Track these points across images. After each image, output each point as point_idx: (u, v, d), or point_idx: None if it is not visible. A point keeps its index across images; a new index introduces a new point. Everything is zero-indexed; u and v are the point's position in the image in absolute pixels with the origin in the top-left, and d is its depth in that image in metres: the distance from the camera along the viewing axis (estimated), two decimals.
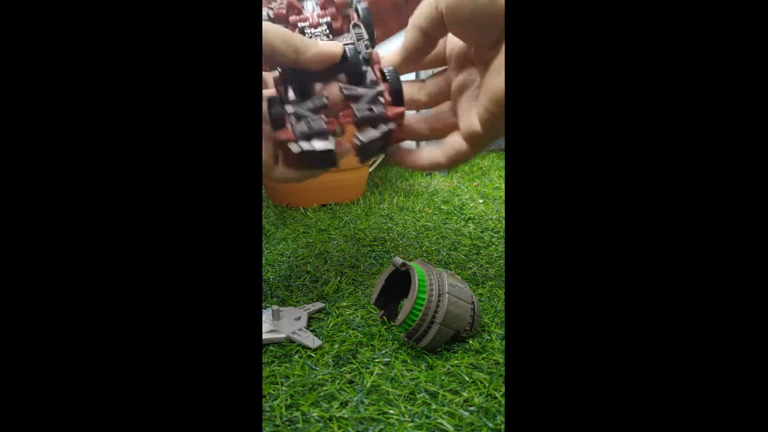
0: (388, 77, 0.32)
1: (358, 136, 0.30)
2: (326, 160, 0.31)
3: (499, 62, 0.26)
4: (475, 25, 0.26)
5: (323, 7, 0.36)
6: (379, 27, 0.36)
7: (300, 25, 0.35)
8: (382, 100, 0.30)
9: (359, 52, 0.32)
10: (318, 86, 0.32)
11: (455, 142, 0.32)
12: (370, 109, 0.30)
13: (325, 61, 0.32)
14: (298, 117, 0.30)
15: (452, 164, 0.32)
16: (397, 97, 0.31)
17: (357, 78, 0.33)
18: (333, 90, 0.33)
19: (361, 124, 0.30)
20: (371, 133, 0.30)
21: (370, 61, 0.32)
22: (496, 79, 0.27)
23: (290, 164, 0.32)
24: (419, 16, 0.29)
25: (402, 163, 0.34)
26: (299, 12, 0.36)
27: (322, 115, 0.30)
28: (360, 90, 0.31)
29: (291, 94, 0.32)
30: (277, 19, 0.35)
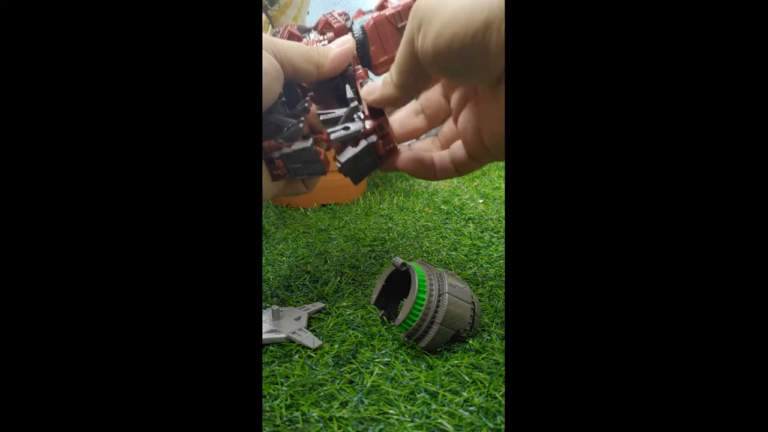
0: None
1: (337, 158, 0.29)
2: (311, 165, 0.30)
3: (500, 107, 0.23)
4: (463, 72, 0.22)
5: (322, 32, 0.36)
6: (382, 50, 0.35)
7: None
8: (361, 116, 0.29)
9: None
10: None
11: (460, 154, 0.29)
12: (346, 128, 0.29)
13: (342, 64, 0.31)
14: (279, 127, 0.30)
15: (461, 174, 0.30)
16: (375, 109, 0.30)
17: (339, 96, 0.32)
18: (312, 114, 0.32)
19: (340, 144, 0.29)
20: (348, 152, 0.29)
21: (351, 78, 0.31)
22: (496, 125, 0.24)
23: (278, 177, 0.32)
24: (396, 68, 0.25)
25: (408, 167, 0.30)
26: (299, 40, 0.36)
27: (302, 119, 0.29)
28: (337, 111, 0.30)
29: (281, 108, 0.32)
30: None
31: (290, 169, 0.31)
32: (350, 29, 0.35)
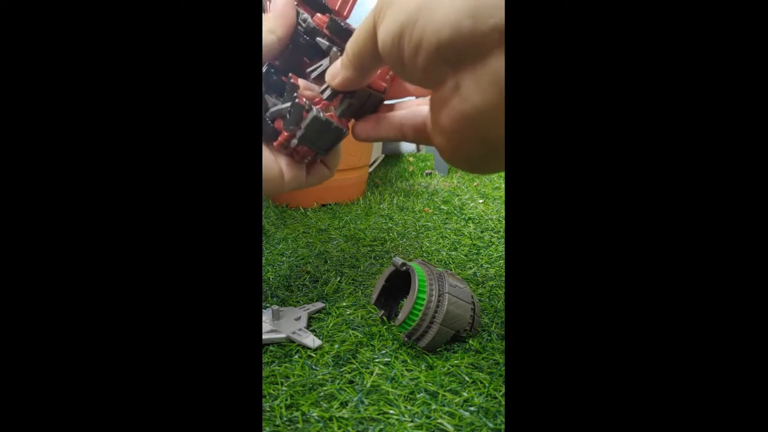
0: (329, 29, 0.29)
1: (335, 112, 0.28)
2: (330, 132, 0.29)
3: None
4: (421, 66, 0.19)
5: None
6: None
7: None
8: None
9: (302, 30, 0.30)
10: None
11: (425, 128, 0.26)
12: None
13: (290, 13, 0.29)
14: (281, 116, 0.29)
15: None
16: (344, 38, 0.28)
17: (315, 53, 0.31)
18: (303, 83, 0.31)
19: (334, 98, 0.27)
20: (343, 103, 0.27)
21: (314, 30, 0.30)
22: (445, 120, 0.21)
23: (304, 162, 0.31)
24: (352, 48, 0.24)
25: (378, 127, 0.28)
26: None
27: (295, 95, 0.28)
28: (323, 63, 0.29)
29: (272, 100, 0.31)
30: None
31: (316, 148, 0.30)
32: None
